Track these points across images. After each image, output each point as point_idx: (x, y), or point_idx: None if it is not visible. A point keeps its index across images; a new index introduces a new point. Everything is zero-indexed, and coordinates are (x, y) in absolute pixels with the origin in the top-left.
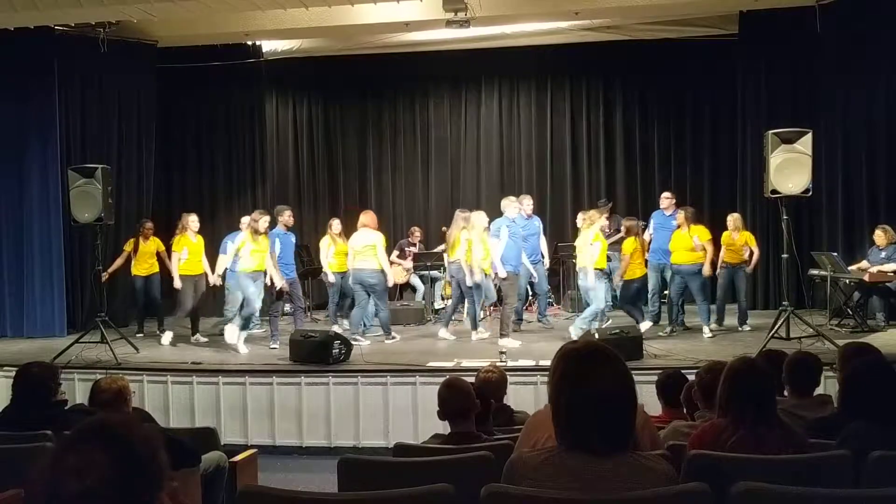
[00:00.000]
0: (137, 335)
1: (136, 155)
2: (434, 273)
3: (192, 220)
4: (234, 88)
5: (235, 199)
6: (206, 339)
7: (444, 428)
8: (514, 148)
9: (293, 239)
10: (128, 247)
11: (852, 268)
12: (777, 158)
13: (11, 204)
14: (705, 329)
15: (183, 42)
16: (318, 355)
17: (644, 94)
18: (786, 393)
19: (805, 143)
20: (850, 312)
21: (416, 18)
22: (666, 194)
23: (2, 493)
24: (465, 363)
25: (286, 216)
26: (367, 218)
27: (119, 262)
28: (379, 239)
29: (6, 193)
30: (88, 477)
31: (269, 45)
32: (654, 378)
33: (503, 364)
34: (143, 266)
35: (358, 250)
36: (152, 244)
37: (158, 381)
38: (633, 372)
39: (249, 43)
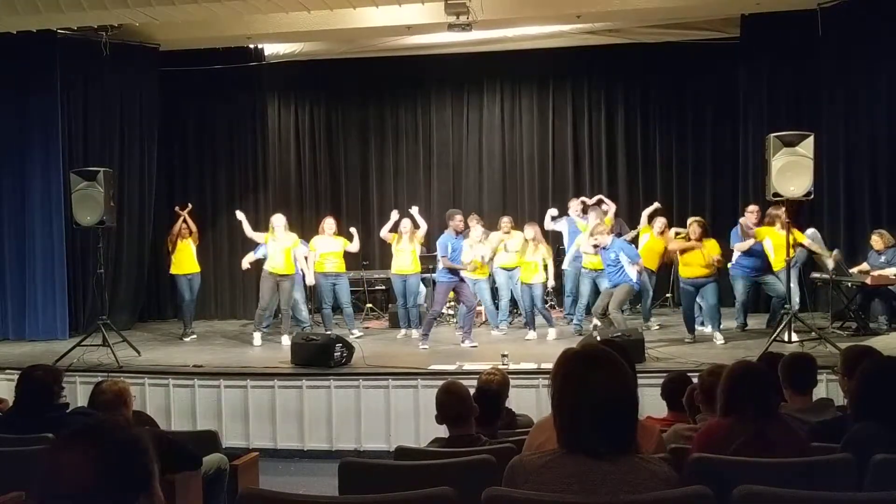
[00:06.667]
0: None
1: (137, 158)
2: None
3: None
4: (236, 91)
5: (237, 201)
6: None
7: (445, 431)
8: (516, 151)
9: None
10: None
11: (854, 271)
12: (779, 161)
13: (13, 207)
14: (717, 336)
15: (185, 45)
16: (319, 358)
17: (646, 98)
18: (787, 398)
19: (807, 146)
20: (852, 315)
21: (417, 22)
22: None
23: (4, 496)
24: (468, 366)
25: (457, 220)
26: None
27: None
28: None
29: (8, 196)
30: (74, 476)
31: (271, 49)
32: (656, 381)
33: (505, 367)
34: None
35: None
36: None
37: (160, 383)
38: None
39: (251, 46)
